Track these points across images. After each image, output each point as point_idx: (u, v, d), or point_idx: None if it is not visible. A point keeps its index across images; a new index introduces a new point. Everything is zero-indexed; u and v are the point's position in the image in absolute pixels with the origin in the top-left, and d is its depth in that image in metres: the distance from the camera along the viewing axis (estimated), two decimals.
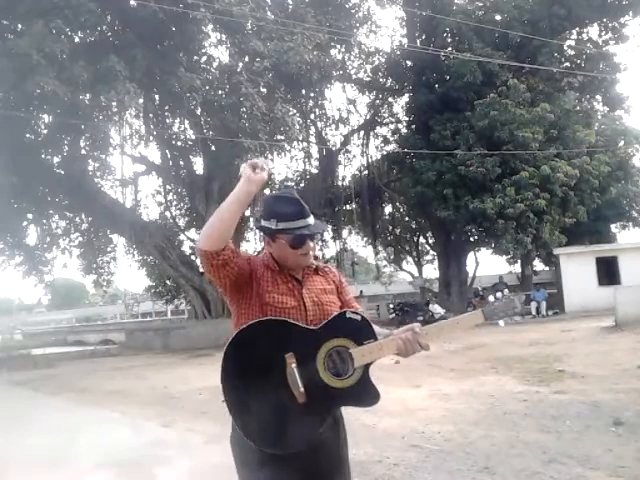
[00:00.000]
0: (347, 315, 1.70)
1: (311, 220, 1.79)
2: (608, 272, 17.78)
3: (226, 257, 1.66)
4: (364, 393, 1.68)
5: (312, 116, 22.18)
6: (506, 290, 1.80)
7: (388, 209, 27.00)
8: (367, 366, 1.69)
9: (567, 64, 20.55)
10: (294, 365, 1.58)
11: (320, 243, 25.88)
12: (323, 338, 1.65)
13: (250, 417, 1.60)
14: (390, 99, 24.54)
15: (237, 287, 1.74)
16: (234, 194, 1.64)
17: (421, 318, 18.08)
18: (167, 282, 23.22)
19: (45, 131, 16.90)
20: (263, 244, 1.99)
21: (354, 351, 1.65)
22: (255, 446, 1.60)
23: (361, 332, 1.69)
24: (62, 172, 17.28)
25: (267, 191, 22.58)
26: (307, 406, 1.59)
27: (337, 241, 25.96)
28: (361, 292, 28.30)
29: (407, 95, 22.79)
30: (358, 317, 1.71)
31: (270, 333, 1.62)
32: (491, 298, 1.76)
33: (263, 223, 1.82)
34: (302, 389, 1.57)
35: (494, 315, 1.75)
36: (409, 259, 29.34)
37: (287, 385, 1.58)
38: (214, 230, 1.64)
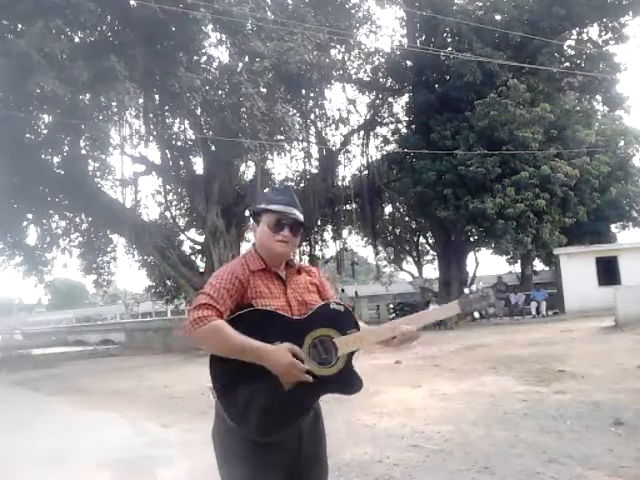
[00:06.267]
0: (331, 306, 1.77)
1: (298, 214, 1.87)
2: (608, 272, 17.77)
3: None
4: (347, 381, 1.75)
5: (312, 116, 22.16)
6: (481, 283, 1.88)
7: (388, 209, 27.01)
8: (350, 355, 1.74)
9: (567, 64, 20.52)
10: None
11: (320, 243, 25.96)
12: (308, 328, 1.70)
13: (237, 404, 1.64)
14: (390, 99, 24.53)
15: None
16: (252, 353, 1.60)
17: None
18: (167, 282, 23.21)
19: (45, 131, 16.88)
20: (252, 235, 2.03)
21: (337, 340, 1.71)
22: (240, 431, 1.63)
23: (344, 322, 1.75)
24: (62, 172, 17.26)
25: (267, 190, 22.57)
26: (292, 393, 1.64)
27: (337, 241, 26.01)
28: (356, 293, 28.30)
29: (407, 95, 22.78)
30: (341, 308, 1.78)
31: (258, 323, 1.67)
32: (466, 290, 1.84)
33: (254, 207, 1.94)
34: None
35: (469, 306, 1.83)
36: (409, 259, 29.35)
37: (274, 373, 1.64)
38: (209, 347, 1.68)
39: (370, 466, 4.01)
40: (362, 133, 24.31)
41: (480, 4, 21.05)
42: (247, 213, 19.68)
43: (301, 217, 1.89)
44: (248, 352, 1.60)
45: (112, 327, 31.56)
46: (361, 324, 1.84)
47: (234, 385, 1.65)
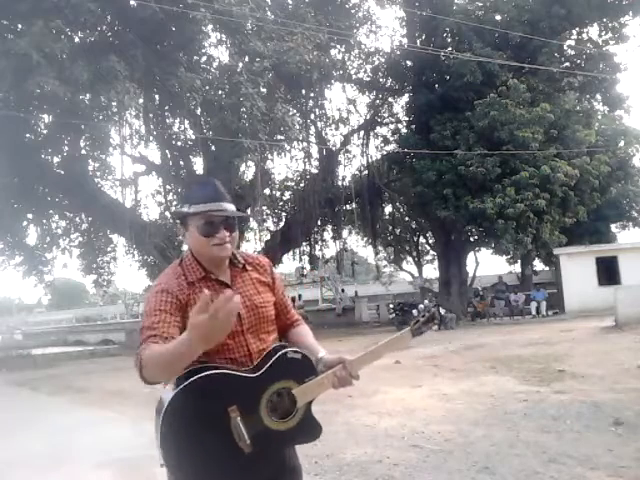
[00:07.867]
0: (288, 355, 1.61)
1: (228, 206, 1.61)
2: (608, 272, 17.77)
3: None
4: (308, 429, 1.65)
5: (312, 116, 22.16)
6: (426, 301, 1.85)
7: (388, 209, 27.00)
8: (309, 403, 1.64)
9: (567, 64, 20.54)
10: (238, 418, 1.50)
11: (320, 243, 25.96)
12: (265, 383, 1.56)
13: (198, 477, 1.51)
14: (390, 99, 24.52)
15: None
16: (184, 345, 1.28)
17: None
18: None
19: (45, 131, 16.91)
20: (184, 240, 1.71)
21: (296, 391, 1.59)
22: None
23: (303, 370, 1.61)
24: (62, 172, 17.29)
25: (267, 190, 22.61)
26: (255, 454, 1.51)
27: (337, 241, 26.00)
28: (356, 293, 28.34)
29: (407, 95, 22.78)
30: (299, 356, 1.62)
31: (209, 390, 1.48)
32: (415, 312, 1.79)
33: (178, 209, 1.67)
34: (248, 440, 1.50)
35: (419, 331, 1.71)
36: (409, 259, 29.37)
37: (233, 439, 1.49)
38: (162, 376, 1.43)
39: (370, 466, 4.01)
40: (362, 133, 24.29)
41: (480, 4, 21.06)
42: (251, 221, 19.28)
43: (232, 208, 1.63)
44: (181, 348, 1.30)
45: (112, 327, 31.61)
46: (321, 355, 1.66)
47: (191, 462, 1.48)
